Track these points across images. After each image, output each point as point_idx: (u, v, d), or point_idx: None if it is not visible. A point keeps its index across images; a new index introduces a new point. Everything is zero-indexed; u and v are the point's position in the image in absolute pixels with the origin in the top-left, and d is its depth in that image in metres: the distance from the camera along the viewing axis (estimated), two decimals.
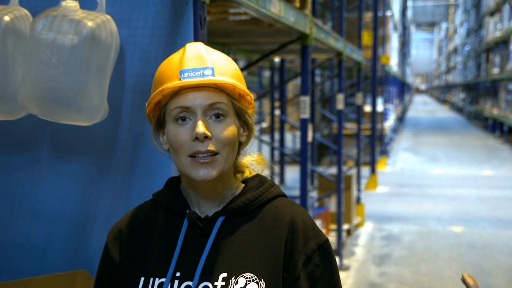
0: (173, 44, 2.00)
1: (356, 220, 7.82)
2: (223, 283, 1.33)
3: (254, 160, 1.53)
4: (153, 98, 1.37)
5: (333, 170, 9.02)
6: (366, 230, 7.76)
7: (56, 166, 2.16)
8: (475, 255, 6.59)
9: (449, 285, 5.65)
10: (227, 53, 6.88)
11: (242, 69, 4.14)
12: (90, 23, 1.87)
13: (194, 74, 1.33)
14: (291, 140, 15.31)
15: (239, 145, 1.44)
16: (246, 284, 1.33)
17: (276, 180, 9.47)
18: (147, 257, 1.42)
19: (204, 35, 2.08)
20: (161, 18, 2.01)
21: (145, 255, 1.43)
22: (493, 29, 20.68)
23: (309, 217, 1.44)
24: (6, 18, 1.95)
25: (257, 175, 1.50)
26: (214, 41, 5.67)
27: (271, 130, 10.05)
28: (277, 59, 8.55)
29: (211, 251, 1.37)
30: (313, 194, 7.63)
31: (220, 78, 1.34)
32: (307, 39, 4.12)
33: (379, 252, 6.75)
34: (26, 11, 2.00)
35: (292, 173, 10.85)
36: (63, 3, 1.91)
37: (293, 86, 14.53)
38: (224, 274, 1.34)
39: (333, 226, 6.65)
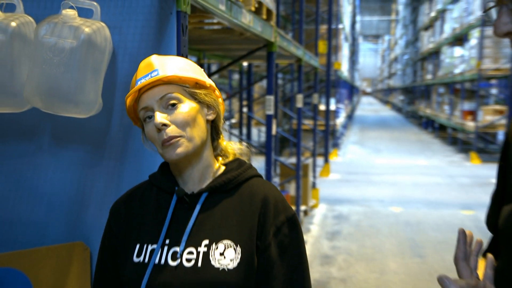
0: (159, 48, 1.99)
1: (311, 202, 7.87)
2: (205, 249, 1.35)
3: (240, 149, 1.53)
4: (127, 106, 1.43)
5: (292, 160, 9.03)
6: (320, 211, 7.81)
7: (56, 153, 2.13)
8: (410, 231, 6.70)
9: (388, 256, 5.72)
10: (202, 58, 6.88)
11: (214, 73, 4.14)
12: (87, 29, 1.85)
13: (144, 79, 1.37)
14: (257, 134, 15.30)
15: (212, 124, 1.46)
16: (225, 249, 1.34)
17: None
18: (142, 227, 1.43)
19: (186, 40, 2.08)
20: (148, 25, 1.99)
21: (140, 226, 1.44)
22: (427, 42, 20.93)
23: (280, 194, 1.45)
24: (13, 24, 1.92)
25: (237, 159, 1.50)
26: (191, 48, 5.64)
27: (239, 125, 10.02)
28: (245, 64, 8.55)
29: (196, 222, 1.38)
30: (276, 180, 7.67)
31: (164, 73, 1.36)
32: (272, 46, 4.13)
33: (331, 229, 6.80)
34: (30, 18, 1.97)
35: (258, 163, 10.83)
36: (64, 12, 1.89)
37: (258, 87, 14.51)
38: (206, 241, 1.36)
39: (293, 207, 6.67)
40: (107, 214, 2.08)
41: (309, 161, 8.35)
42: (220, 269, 1.32)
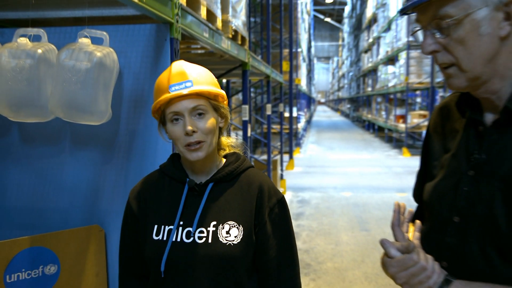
0: (157, 69, 1.99)
1: (280, 190, 7.87)
2: (214, 228, 1.34)
3: (233, 142, 1.52)
4: (154, 107, 1.36)
5: (264, 157, 9.05)
6: (287, 197, 7.78)
7: (75, 154, 2.12)
8: (358, 211, 6.74)
9: (341, 230, 5.76)
10: None
11: None
12: (99, 54, 1.85)
13: (179, 87, 1.31)
14: (235, 137, 15.22)
15: (220, 130, 1.43)
16: (230, 228, 1.33)
17: None
18: (158, 211, 1.40)
19: None
20: (148, 50, 2.00)
21: (156, 209, 1.40)
22: (367, 62, 21.15)
23: (271, 182, 1.43)
24: (39, 51, 1.91)
25: (234, 153, 1.47)
26: None
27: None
28: (224, 80, 8.51)
29: (204, 207, 1.36)
30: None
31: (198, 87, 1.31)
32: (246, 66, 4.13)
33: (296, 211, 6.80)
34: (53, 46, 1.96)
35: None
36: (80, 40, 1.88)
37: (235, 99, 14.47)
38: (214, 222, 1.34)
39: None
40: (118, 201, 2.08)
41: (277, 157, 8.36)
42: (227, 244, 1.31)
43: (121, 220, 1.48)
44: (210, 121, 1.33)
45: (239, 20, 3.57)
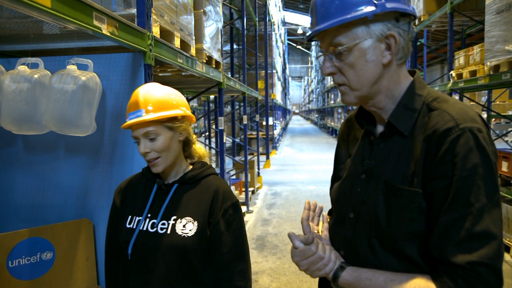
0: (133, 89, 1.96)
1: (257, 185, 7.85)
2: (173, 222, 1.31)
3: (202, 153, 1.47)
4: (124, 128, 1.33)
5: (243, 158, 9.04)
6: (263, 191, 7.78)
7: (68, 159, 2.10)
8: (320, 201, 6.70)
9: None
10: (182, 93, 6.77)
11: (189, 100, 4.08)
12: (83, 78, 1.83)
13: (134, 115, 1.27)
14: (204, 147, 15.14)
15: (184, 142, 1.38)
16: (186, 223, 1.31)
17: (214, 165, 9.37)
18: (134, 204, 1.38)
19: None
20: (126, 74, 1.98)
21: (132, 203, 1.39)
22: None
23: (227, 187, 1.40)
24: (35, 76, 1.89)
25: (201, 161, 1.44)
26: (173, 87, 5.54)
27: (209, 136, 9.93)
28: (212, 96, 8.47)
29: (168, 203, 1.34)
30: (233, 171, 7.64)
31: (147, 116, 1.26)
32: (221, 85, 4.12)
33: (269, 202, 6.79)
34: (47, 71, 1.94)
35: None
36: (68, 66, 1.86)
37: (225, 111, 14.41)
38: (174, 217, 1.32)
39: (243, 189, 6.68)
40: (104, 198, 2.05)
41: (255, 158, 8.35)
42: (182, 236, 1.29)
43: (107, 214, 1.47)
44: (162, 142, 1.29)
45: (212, 47, 3.56)
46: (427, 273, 0.92)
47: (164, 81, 4.76)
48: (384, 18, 0.95)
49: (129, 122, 1.28)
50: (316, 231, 1.14)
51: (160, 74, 3.57)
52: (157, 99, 1.30)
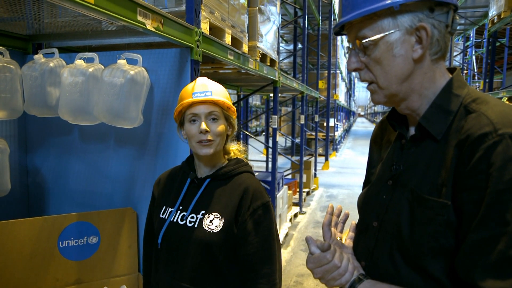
0: (180, 84, 2.00)
1: (313, 186, 7.74)
2: (201, 216, 1.31)
3: (237, 149, 1.46)
4: (178, 108, 1.34)
5: (304, 158, 8.94)
6: (318, 192, 7.66)
7: (117, 150, 2.18)
8: None
9: None
10: (239, 91, 6.85)
11: (244, 97, 4.06)
12: (131, 72, 1.89)
13: (200, 94, 1.30)
14: (283, 141, 15.15)
15: (227, 137, 1.39)
16: (213, 218, 1.30)
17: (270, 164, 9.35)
18: (168, 195, 1.40)
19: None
20: (173, 69, 2.01)
21: (168, 194, 1.41)
22: None
23: (260, 186, 1.36)
24: (90, 70, 1.98)
25: (236, 158, 1.42)
26: (231, 84, 5.62)
27: (266, 135, 9.93)
28: (271, 94, 8.45)
29: (199, 197, 1.34)
30: (289, 171, 7.58)
31: (215, 97, 1.31)
32: (277, 83, 4.08)
33: (324, 204, 6.66)
34: (101, 65, 2.02)
35: (280, 160, 10.80)
36: (118, 61, 1.93)
37: (284, 110, 14.36)
38: (203, 211, 1.32)
39: (297, 190, 6.60)
40: (148, 189, 2.11)
41: (312, 159, 8.22)
42: (207, 231, 1.28)
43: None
44: (221, 126, 1.32)
45: (268, 45, 3.53)
46: None
47: (223, 78, 4.84)
48: (415, 8, 0.85)
49: (199, 97, 1.29)
50: (339, 238, 1.06)
51: (221, 71, 3.61)
52: (220, 88, 1.36)
